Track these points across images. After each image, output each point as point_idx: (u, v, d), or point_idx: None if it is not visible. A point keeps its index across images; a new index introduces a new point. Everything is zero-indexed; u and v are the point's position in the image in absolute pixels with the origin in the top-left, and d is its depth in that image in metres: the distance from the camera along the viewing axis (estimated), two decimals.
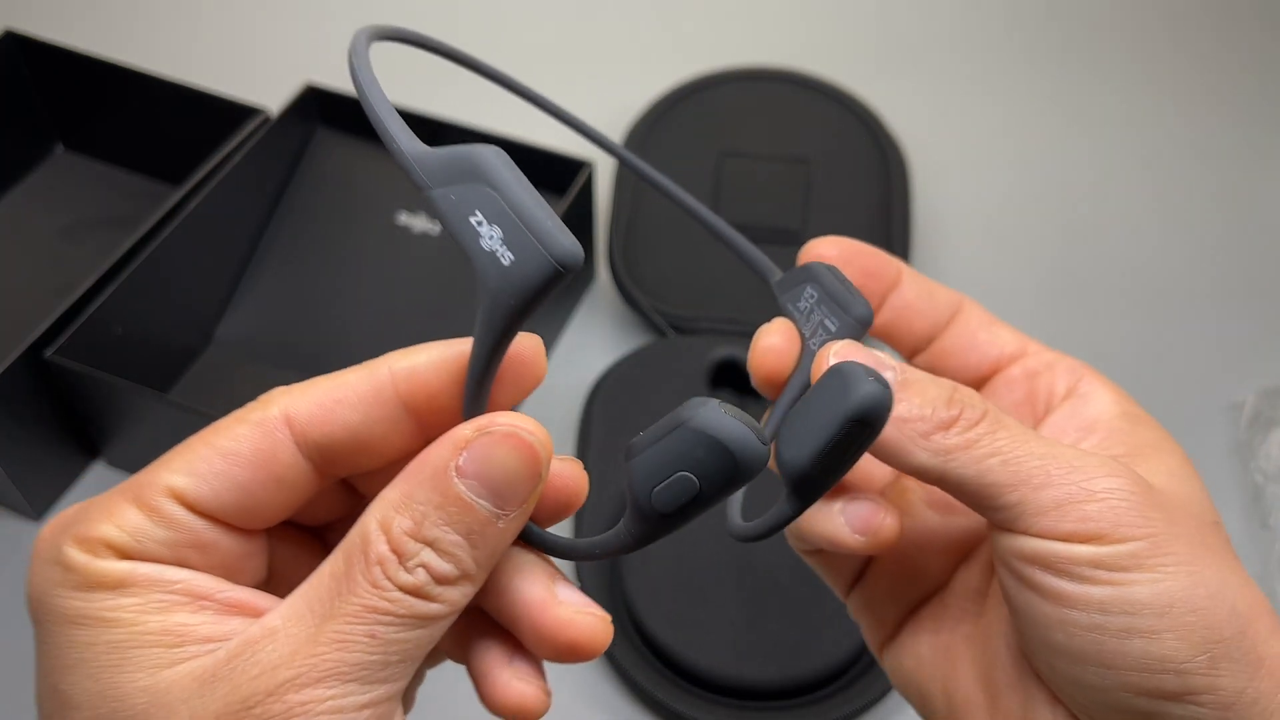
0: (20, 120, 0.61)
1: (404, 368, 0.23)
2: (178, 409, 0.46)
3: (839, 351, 0.24)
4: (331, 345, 0.54)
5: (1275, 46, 0.74)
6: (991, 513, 0.24)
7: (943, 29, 0.75)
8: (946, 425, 0.24)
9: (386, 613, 0.20)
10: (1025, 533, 0.23)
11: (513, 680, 0.23)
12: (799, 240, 0.58)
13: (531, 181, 0.61)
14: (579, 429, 0.51)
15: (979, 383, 0.29)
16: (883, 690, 0.44)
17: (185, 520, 0.22)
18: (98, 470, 0.52)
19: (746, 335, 0.54)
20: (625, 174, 0.60)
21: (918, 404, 0.24)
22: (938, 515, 0.28)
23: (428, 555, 0.21)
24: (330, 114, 0.59)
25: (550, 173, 0.55)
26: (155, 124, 0.59)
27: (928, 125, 0.67)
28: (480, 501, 0.21)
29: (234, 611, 0.21)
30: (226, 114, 0.55)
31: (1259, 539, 0.51)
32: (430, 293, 0.55)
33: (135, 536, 0.21)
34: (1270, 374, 0.56)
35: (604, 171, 0.60)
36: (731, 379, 0.53)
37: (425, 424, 0.23)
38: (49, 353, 0.46)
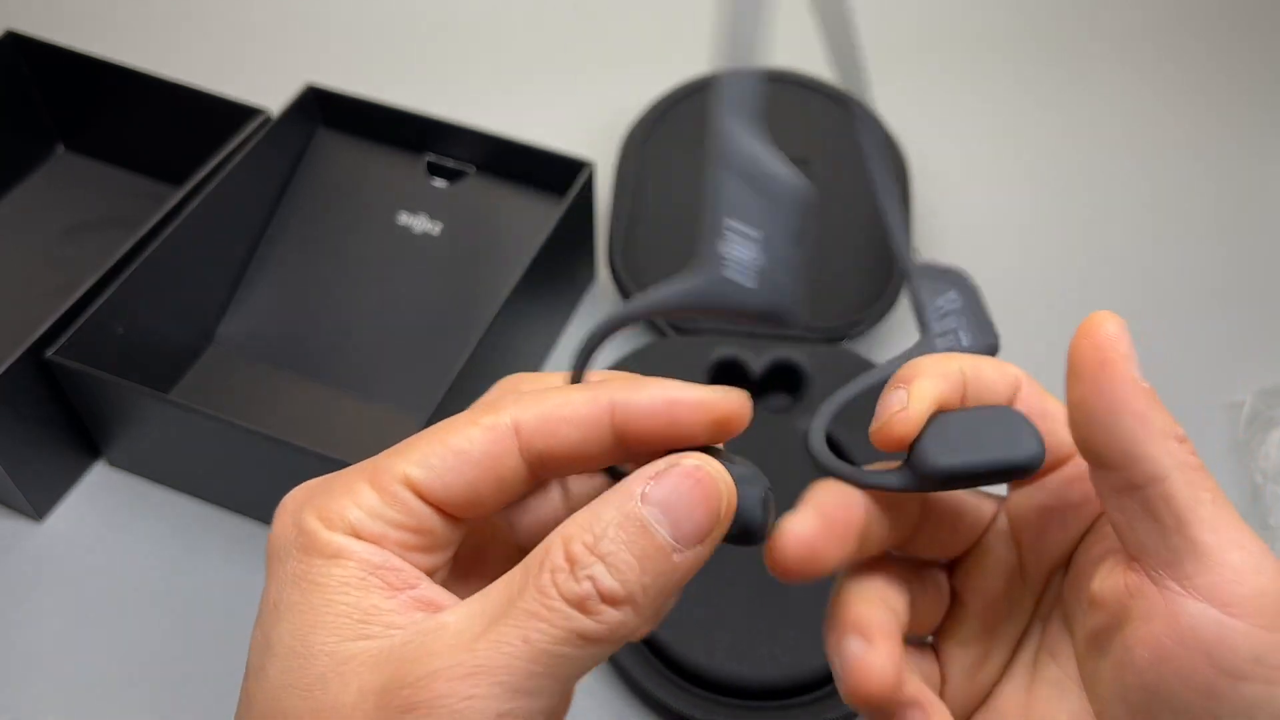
0: (21, 121, 0.61)
1: (624, 401, 0.24)
2: (179, 409, 0.46)
3: (1115, 319, 0.25)
4: (333, 344, 0.54)
5: (1274, 50, 0.74)
6: (1173, 543, 0.23)
7: (943, 31, 0.75)
8: (1181, 440, 0.24)
9: (544, 620, 0.22)
10: (1190, 579, 0.23)
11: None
12: None
13: (531, 182, 0.62)
14: None
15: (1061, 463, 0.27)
16: None
17: (415, 506, 0.24)
18: (99, 470, 0.52)
19: (746, 335, 0.54)
20: (625, 174, 0.60)
21: (1165, 413, 0.24)
22: (987, 639, 0.29)
23: (598, 569, 0.22)
24: (331, 114, 0.59)
25: (550, 173, 0.55)
26: (156, 124, 0.59)
27: (928, 127, 0.67)
28: (659, 528, 0.22)
29: (420, 606, 0.23)
30: (227, 114, 0.55)
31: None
32: (431, 293, 0.56)
33: (369, 514, 0.24)
34: (1269, 374, 0.56)
35: (604, 172, 0.60)
36: (731, 379, 0.53)
37: (631, 452, 0.25)
38: (50, 353, 0.46)
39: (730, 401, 0.24)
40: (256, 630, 0.25)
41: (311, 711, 0.22)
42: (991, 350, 0.28)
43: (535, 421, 0.24)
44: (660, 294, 0.24)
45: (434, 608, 0.23)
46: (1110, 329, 0.24)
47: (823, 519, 0.25)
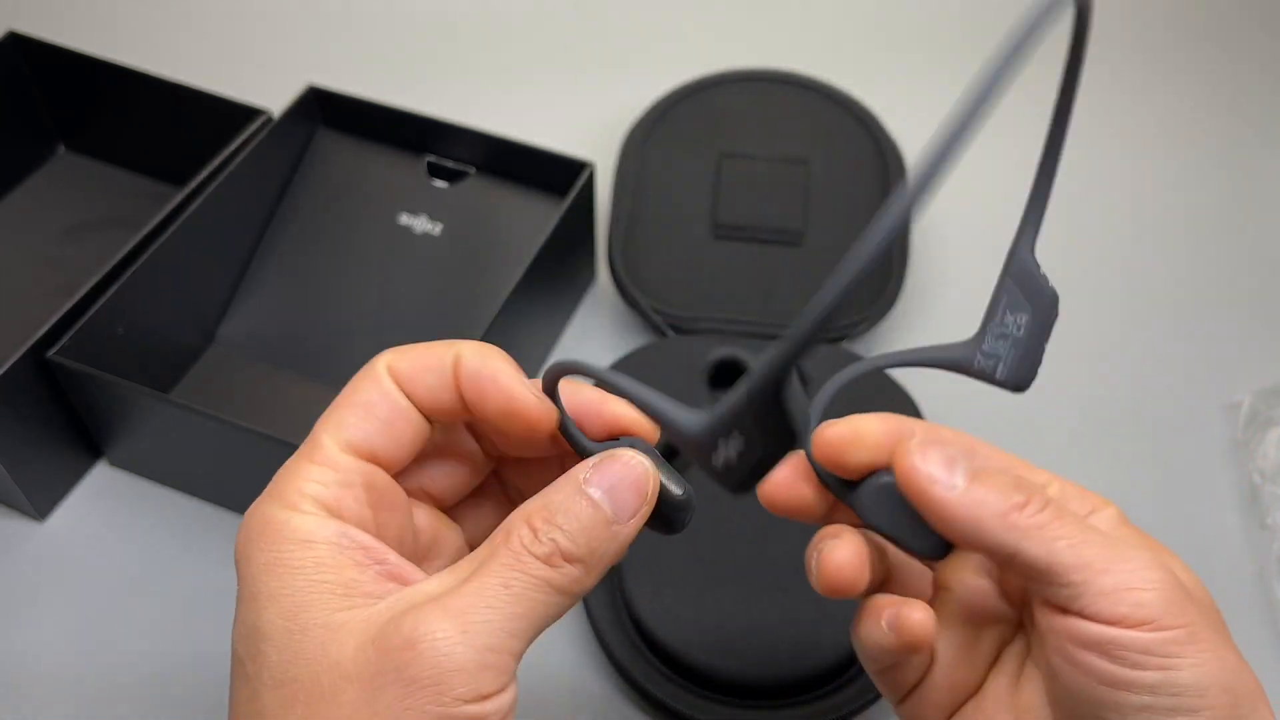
0: (22, 121, 0.61)
1: (462, 361, 0.29)
2: (180, 409, 0.46)
3: (920, 449, 0.28)
4: (333, 344, 0.55)
5: (1274, 51, 0.75)
6: (1053, 590, 0.27)
7: (942, 31, 0.76)
8: (1020, 507, 0.27)
9: (520, 570, 0.26)
10: (1081, 613, 0.27)
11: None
12: (799, 240, 0.58)
13: (531, 182, 0.62)
14: None
15: None
16: None
17: (354, 464, 0.28)
18: (100, 470, 0.52)
19: (746, 335, 0.54)
20: (625, 174, 0.60)
21: (993, 489, 0.27)
22: (973, 627, 0.31)
23: (557, 534, 0.26)
24: (332, 115, 0.59)
25: (551, 173, 0.55)
26: (157, 125, 0.59)
27: (926, 127, 0.67)
28: (603, 505, 0.27)
29: (391, 578, 0.27)
30: (228, 115, 0.55)
31: (1257, 539, 0.51)
32: (431, 293, 0.56)
33: (322, 484, 0.27)
34: (1267, 374, 0.56)
35: (604, 172, 0.60)
36: (731, 379, 0.53)
37: (470, 411, 0.29)
38: (51, 353, 0.46)
39: (533, 410, 0.28)
40: (239, 626, 0.27)
41: (318, 674, 0.25)
42: (1016, 390, 0.30)
43: (406, 368, 0.29)
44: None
45: (403, 580, 0.27)
46: (910, 462, 0.28)
47: (801, 465, 0.31)
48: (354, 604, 0.25)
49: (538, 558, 0.26)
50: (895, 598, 0.30)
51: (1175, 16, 0.76)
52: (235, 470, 0.48)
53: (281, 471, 0.28)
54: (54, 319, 0.47)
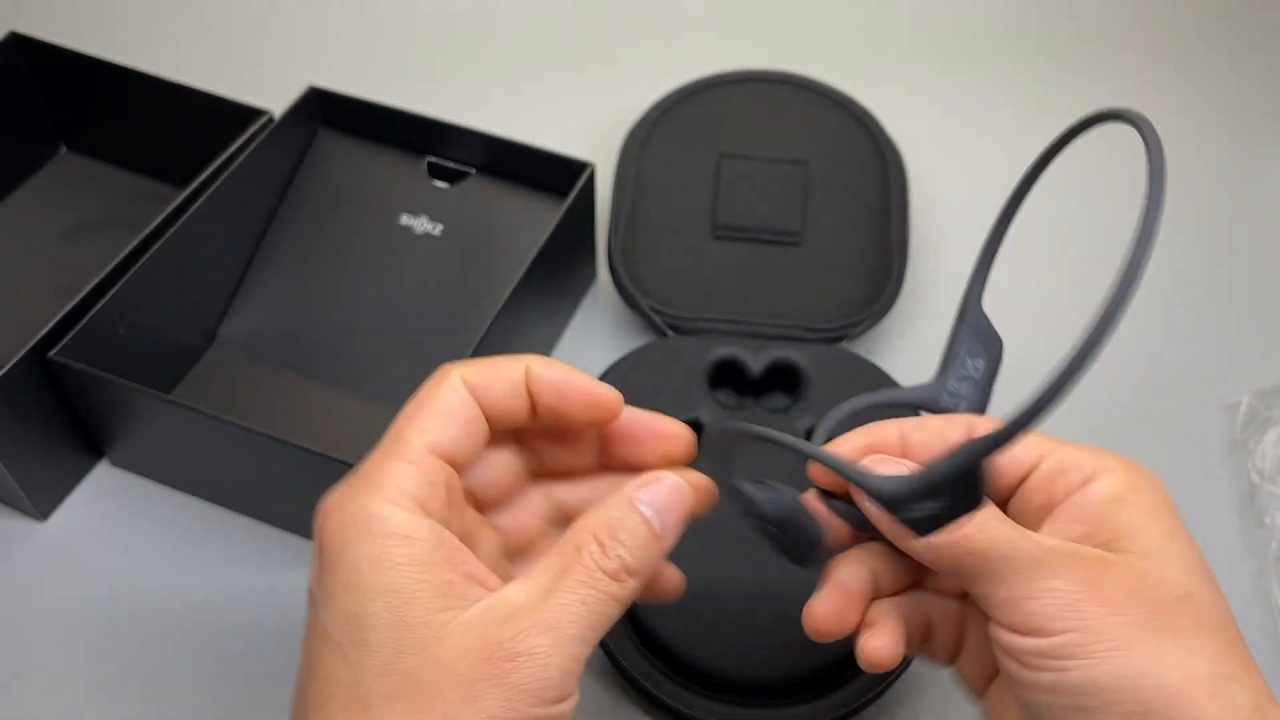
0: (24, 122, 0.61)
1: (534, 370, 0.32)
2: (181, 409, 0.46)
3: (876, 459, 0.31)
4: (334, 344, 0.55)
5: (1274, 50, 0.75)
6: (973, 597, 0.30)
7: (941, 33, 0.76)
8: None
9: (594, 586, 0.29)
10: (993, 618, 0.29)
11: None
12: (799, 241, 0.58)
13: (531, 183, 0.63)
14: None
15: (1007, 495, 0.33)
16: (884, 687, 0.44)
17: (437, 465, 0.30)
18: (101, 470, 0.52)
19: (746, 335, 0.54)
20: (625, 175, 0.60)
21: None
22: None
23: (622, 550, 0.29)
24: (333, 116, 0.59)
25: (550, 174, 0.56)
26: (159, 126, 0.59)
27: (925, 128, 0.68)
28: (654, 522, 0.30)
29: (476, 581, 0.29)
30: (230, 115, 0.55)
31: (1255, 538, 0.51)
32: (432, 293, 0.56)
33: (417, 483, 0.29)
34: (1266, 374, 0.56)
35: (604, 173, 0.60)
36: (730, 379, 0.53)
37: (541, 414, 0.33)
38: (53, 354, 0.46)
39: (609, 395, 0.33)
40: (336, 610, 0.28)
41: (420, 670, 0.27)
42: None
43: (478, 378, 0.32)
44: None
45: (485, 584, 0.29)
46: (867, 507, 0.31)
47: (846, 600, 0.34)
48: (451, 604, 0.28)
49: (607, 574, 0.29)
50: (876, 616, 0.33)
51: (1175, 16, 0.76)
52: (236, 470, 0.48)
53: (370, 465, 0.30)
54: (55, 319, 0.47)
